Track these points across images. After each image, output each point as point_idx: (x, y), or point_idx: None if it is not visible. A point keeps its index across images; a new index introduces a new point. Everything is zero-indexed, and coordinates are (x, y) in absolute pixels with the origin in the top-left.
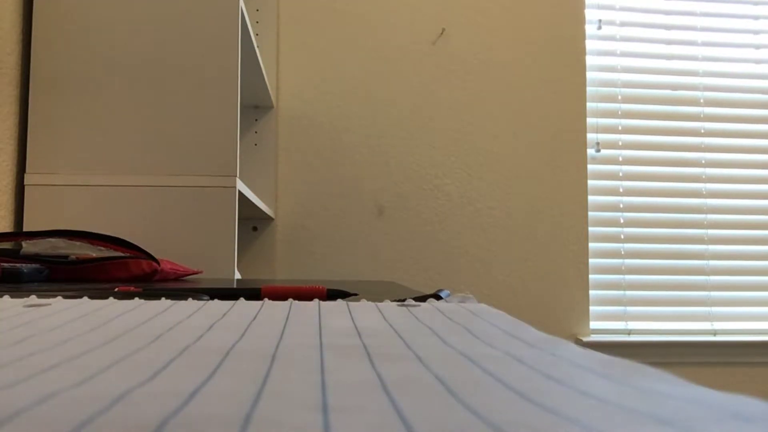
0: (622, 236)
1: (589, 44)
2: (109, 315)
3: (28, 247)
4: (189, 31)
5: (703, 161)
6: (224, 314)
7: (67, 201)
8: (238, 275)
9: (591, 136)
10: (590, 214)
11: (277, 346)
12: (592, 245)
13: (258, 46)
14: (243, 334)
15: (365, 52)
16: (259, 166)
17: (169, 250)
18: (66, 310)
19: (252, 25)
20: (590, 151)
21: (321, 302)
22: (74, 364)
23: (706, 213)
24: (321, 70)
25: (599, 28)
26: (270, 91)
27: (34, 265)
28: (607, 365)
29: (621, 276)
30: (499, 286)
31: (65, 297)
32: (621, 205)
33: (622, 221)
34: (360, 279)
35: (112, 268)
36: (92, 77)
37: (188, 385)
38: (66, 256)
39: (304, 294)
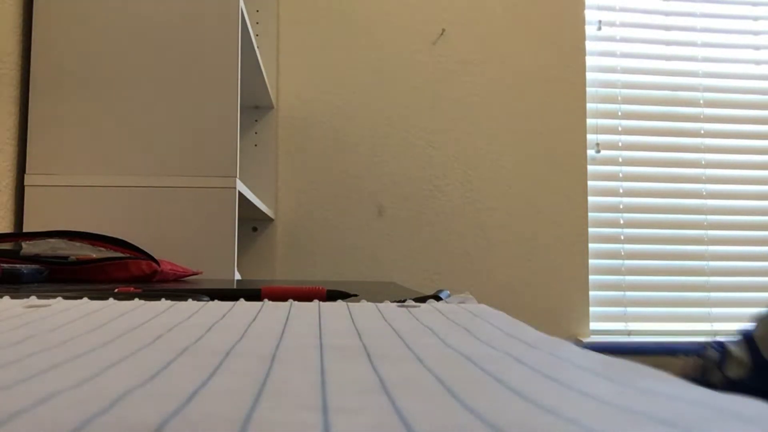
0: (622, 237)
1: (589, 45)
2: (109, 316)
3: (28, 247)
4: (189, 32)
5: (703, 162)
6: (224, 315)
7: (67, 202)
8: (238, 276)
9: (591, 137)
10: (590, 214)
11: (277, 347)
12: (592, 246)
13: (258, 47)
14: (243, 335)
15: (365, 53)
16: (259, 166)
17: (169, 250)
18: (66, 310)
19: (252, 26)
20: (590, 152)
21: (321, 303)
22: (74, 364)
23: (706, 214)
24: (321, 71)
25: (599, 29)
26: (270, 92)
27: (33, 266)
28: (607, 366)
29: (621, 277)
30: (499, 287)
31: (65, 298)
32: (621, 206)
33: (622, 222)
34: (360, 279)
35: (111, 269)
36: (92, 77)
37: (188, 386)
38: (66, 257)
39: (304, 295)
